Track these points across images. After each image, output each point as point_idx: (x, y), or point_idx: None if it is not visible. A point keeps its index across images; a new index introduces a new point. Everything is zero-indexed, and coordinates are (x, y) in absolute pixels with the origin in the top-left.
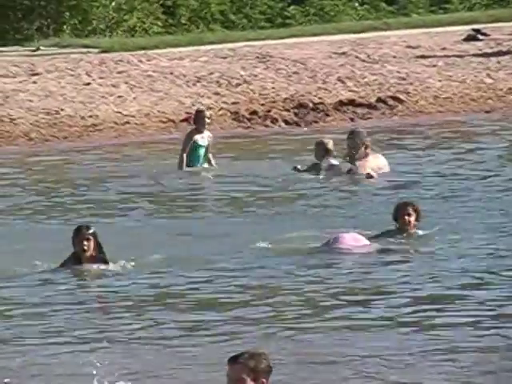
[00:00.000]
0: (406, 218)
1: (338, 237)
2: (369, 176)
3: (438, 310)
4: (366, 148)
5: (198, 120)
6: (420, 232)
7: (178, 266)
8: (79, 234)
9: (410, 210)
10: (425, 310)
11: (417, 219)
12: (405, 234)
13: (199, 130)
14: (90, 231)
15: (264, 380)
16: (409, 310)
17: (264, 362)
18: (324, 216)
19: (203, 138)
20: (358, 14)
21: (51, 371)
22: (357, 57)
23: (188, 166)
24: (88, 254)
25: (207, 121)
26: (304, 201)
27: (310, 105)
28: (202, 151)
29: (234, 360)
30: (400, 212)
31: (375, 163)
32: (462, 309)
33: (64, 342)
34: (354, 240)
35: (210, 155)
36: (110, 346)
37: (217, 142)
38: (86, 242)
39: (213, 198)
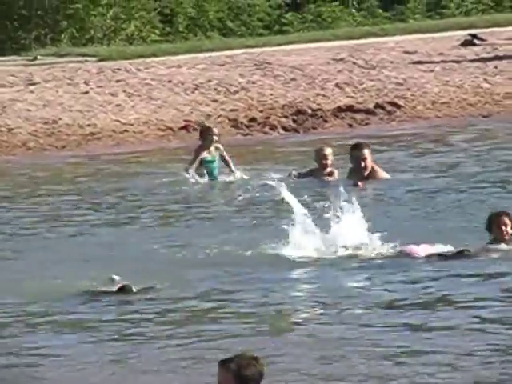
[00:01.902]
0: (503, 228)
1: (409, 249)
2: (355, 184)
3: None
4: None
5: (205, 137)
6: None
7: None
8: None
9: (506, 220)
10: None
11: None
12: (502, 244)
13: (206, 147)
14: None
15: None
16: None
17: (252, 368)
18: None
19: (210, 153)
20: (355, 21)
21: None
22: (354, 63)
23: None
24: None
25: (215, 138)
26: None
27: (309, 111)
28: (210, 165)
29: (221, 364)
30: (495, 223)
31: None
32: None
33: None
34: (424, 251)
35: (230, 162)
36: None
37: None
38: None
39: (242, 209)
